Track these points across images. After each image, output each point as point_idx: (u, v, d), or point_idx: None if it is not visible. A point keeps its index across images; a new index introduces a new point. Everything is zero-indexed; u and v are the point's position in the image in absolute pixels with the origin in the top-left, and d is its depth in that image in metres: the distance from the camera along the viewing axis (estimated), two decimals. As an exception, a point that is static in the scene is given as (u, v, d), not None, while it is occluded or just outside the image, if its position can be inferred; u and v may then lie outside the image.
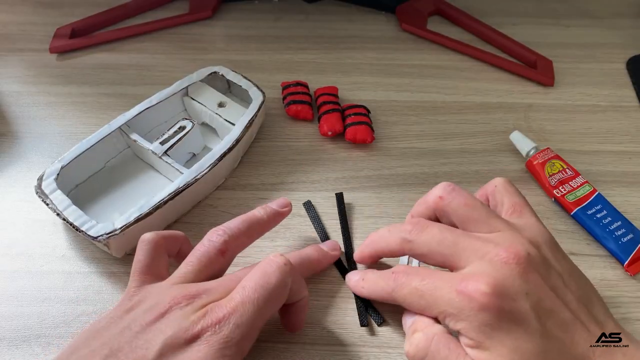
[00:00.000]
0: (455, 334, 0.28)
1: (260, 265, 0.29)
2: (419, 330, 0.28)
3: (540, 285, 0.27)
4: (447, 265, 0.30)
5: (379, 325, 0.34)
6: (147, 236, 0.31)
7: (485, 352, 0.26)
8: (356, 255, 0.36)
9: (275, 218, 0.35)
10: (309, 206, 0.40)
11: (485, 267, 0.27)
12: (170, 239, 0.32)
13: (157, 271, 0.31)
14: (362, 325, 0.34)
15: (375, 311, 0.34)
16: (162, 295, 0.28)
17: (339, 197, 0.40)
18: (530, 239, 0.29)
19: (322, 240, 0.38)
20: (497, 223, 0.30)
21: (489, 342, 0.26)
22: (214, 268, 0.31)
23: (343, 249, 0.38)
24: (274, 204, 0.35)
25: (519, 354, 0.25)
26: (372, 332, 0.34)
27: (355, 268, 0.37)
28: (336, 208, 0.40)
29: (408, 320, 0.30)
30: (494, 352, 0.26)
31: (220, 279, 0.30)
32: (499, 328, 0.26)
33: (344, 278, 0.36)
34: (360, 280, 0.33)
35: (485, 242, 0.28)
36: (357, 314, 0.35)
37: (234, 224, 0.32)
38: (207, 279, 0.30)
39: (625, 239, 0.38)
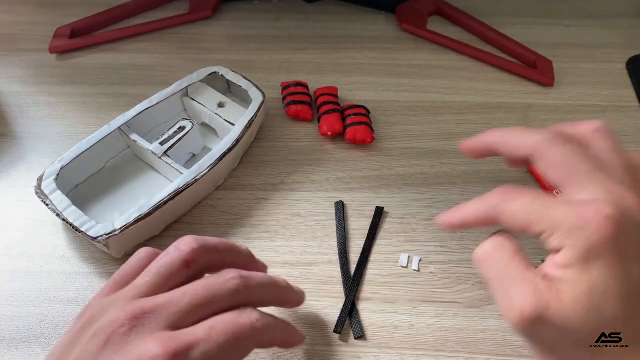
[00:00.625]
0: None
1: (232, 315, 0.26)
2: (492, 239, 0.27)
3: None
4: (562, 188, 0.27)
5: (356, 338, 0.34)
6: (143, 252, 0.29)
7: (574, 274, 0.25)
8: (467, 143, 0.31)
9: (250, 260, 0.31)
10: (339, 207, 0.40)
11: (611, 196, 0.25)
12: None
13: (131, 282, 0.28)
14: (334, 331, 0.34)
15: (358, 323, 0.34)
16: (105, 317, 0.25)
17: (378, 211, 0.40)
18: None
19: (339, 243, 0.38)
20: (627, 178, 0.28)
21: (583, 266, 0.24)
22: (176, 280, 0.27)
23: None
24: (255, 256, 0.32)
25: (603, 290, 0.24)
26: (345, 342, 0.34)
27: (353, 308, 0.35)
28: (336, 211, 0.40)
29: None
30: (582, 277, 0.24)
31: (171, 293, 0.26)
32: (602, 258, 0.24)
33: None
34: (457, 208, 0.29)
35: (616, 184, 0.26)
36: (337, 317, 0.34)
37: (210, 238, 0.29)
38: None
39: None
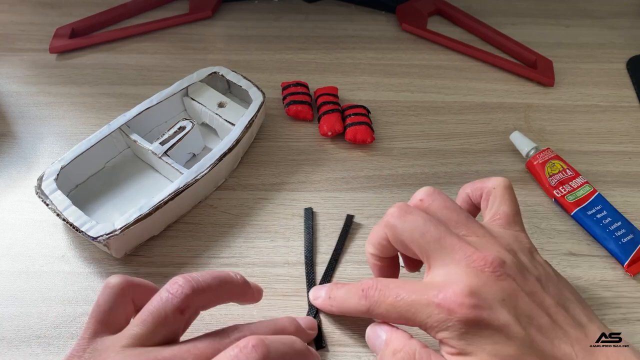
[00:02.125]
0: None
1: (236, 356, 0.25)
2: (399, 350, 0.28)
3: (516, 291, 0.27)
4: (421, 258, 0.29)
5: (317, 349, 0.33)
6: (113, 280, 0.28)
7: (468, 358, 0.26)
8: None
9: (245, 289, 0.30)
10: (308, 214, 0.39)
11: (460, 274, 0.27)
12: (140, 289, 0.29)
13: (116, 321, 0.28)
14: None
15: (320, 335, 0.33)
16: None
17: (348, 219, 0.39)
18: (506, 246, 0.29)
19: (306, 251, 0.37)
20: (475, 228, 0.29)
21: (471, 348, 0.26)
22: (170, 328, 0.27)
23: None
24: (249, 281, 0.31)
25: (500, 359, 0.26)
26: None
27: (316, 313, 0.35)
28: (333, 218, 0.40)
29: (380, 333, 0.30)
30: (476, 358, 0.26)
31: (175, 348, 0.26)
32: (480, 335, 0.26)
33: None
34: (327, 299, 0.32)
35: (464, 244, 0.28)
36: None
37: (203, 277, 0.28)
38: (162, 340, 0.26)
39: (625, 240, 0.38)
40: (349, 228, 0.39)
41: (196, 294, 0.27)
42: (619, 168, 0.43)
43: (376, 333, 0.30)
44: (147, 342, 0.26)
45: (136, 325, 0.26)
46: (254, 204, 0.40)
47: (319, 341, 0.33)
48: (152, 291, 0.29)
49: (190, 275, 0.27)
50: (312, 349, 0.30)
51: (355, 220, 0.40)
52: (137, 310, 0.28)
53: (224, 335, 0.27)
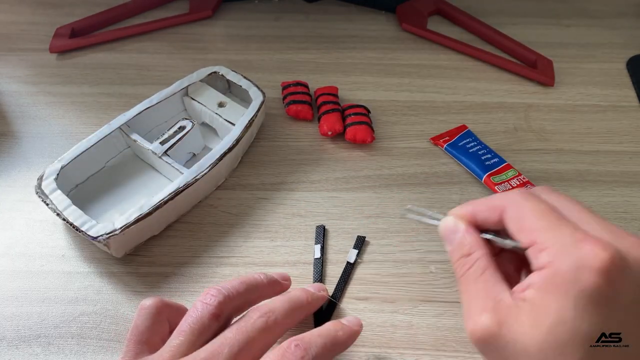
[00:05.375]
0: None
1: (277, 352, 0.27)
2: (466, 253, 0.27)
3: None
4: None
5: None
6: (147, 302, 0.29)
7: (544, 299, 0.23)
8: (453, 210, 0.30)
9: (274, 287, 0.33)
10: (320, 232, 0.39)
11: (613, 241, 0.24)
12: (173, 309, 0.31)
13: (155, 341, 0.29)
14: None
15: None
16: None
17: (359, 240, 0.38)
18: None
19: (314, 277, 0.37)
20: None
21: (558, 294, 0.23)
22: (208, 335, 0.28)
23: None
24: (274, 274, 0.33)
25: (569, 330, 0.23)
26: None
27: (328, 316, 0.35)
28: (334, 217, 0.40)
29: (459, 227, 0.28)
30: (551, 306, 0.23)
31: (208, 347, 0.27)
32: (582, 296, 0.23)
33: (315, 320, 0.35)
34: (465, 204, 0.29)
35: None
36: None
37: (231, 284, 0.30)
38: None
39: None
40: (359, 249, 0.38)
41: (228, 301, 0.29)
42: (619, 168, 0.43)
43: (456, 227, 0.28)
44: (188, 352, 0.27)
45: (176, 337, 0.28)
46: (254, 203, 0.40)
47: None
48: (183, 311, 0.30)
49: (221, 285, 0.30)
50: (351, 326, 0.30)
51: (355, 220, 0.40)
52: (172, 330, 0.29)
53: (247, 319, 0.28)
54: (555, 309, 0.23)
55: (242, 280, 0.31)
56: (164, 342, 0.29)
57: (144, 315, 0.29)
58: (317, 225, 0.39)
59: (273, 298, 0.31)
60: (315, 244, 0.38)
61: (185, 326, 0.28)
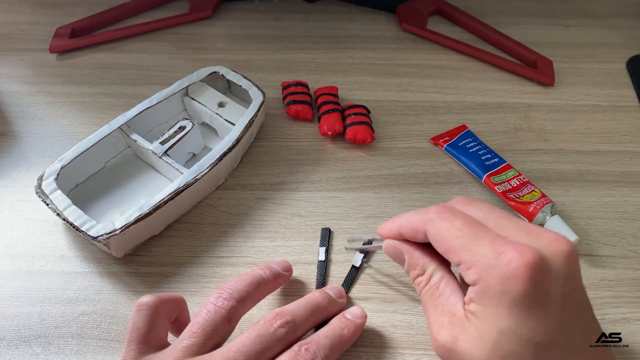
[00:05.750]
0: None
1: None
2: (415, 266, 0.29)
3: (578, 279, 0.26)
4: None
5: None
6: (146, 300, 0.30)
7: (484, 312, 0.25)
8: (380, 228, 0.33)
9: (277, 280, 0.33)
10: (325, 234, 0.39)
11: (531, 243, 0.25)
12: (170, 303, 0.31)
13: (157, 339, 0.29)
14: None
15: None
16: None
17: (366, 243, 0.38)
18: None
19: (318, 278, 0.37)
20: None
21: (495, 306, 0.24)
22: (219, 337, 0.29)
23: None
24: (276, 265, 0.34)
25: (512, 335, 0.24)
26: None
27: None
28: (334, 217, 0.40)
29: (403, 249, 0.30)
30: (492, 317, 0.24)
31: (224, 350, 0.28)
32: (515, 302, 0.24)
33: None
34: (390, 222, 0.31)
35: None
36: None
37: (241, 285, 0.31)
38: (212, 349, 0.28)
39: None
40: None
41: (240, 304, 0.30)
42: (619, 168, 0.43)
43: (399, 248, 0.31)
44: (200, 352, 0.28)
45: (188, 337, 0.28)
46: (254, 203, 0.40)
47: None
48: (178, 302, 0.31)
49: (231, 288, 0.30)
50: (355, 321, 0.32)
51: (355, 220, 0.40)
52: (170, 322, 0.30)
53: (267, 325, 0.29)
54: (495, 322, 0.24)
55: (250, 281, 0.31)
56: (166, 336, 0.29)
57: (143, 314, 0.29)
58: (323, 227, 0.39)
59: (295, 303, 0.31)
60: (320, 246, 0.38)
61: (197, 327, 0.28)
